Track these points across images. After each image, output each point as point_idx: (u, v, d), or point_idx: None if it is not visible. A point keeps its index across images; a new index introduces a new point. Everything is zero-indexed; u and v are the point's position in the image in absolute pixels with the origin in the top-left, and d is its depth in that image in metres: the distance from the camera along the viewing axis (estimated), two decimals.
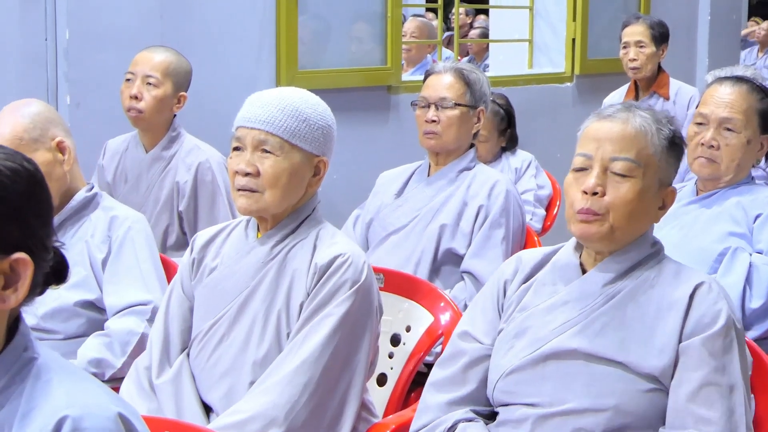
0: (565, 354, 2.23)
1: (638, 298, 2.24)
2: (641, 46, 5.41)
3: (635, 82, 5.53)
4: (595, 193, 2.23)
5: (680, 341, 2.18)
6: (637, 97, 5.45)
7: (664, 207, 2.32)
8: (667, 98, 5.45)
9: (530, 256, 2.43)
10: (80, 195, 3.00)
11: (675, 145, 2.32)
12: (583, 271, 2.31)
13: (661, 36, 5.45)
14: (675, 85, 5.53)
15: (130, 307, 2.91)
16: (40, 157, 2.86)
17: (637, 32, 5.44)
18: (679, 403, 2.16)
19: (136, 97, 3.91)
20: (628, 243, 2.28)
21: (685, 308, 2.20)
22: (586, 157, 2.28)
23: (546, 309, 2.30)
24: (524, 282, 2.37)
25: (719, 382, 2.15)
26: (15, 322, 1.55)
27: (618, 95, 5.49)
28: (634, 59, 5.42)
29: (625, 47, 5.47)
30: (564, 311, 2.28)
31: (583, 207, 2.23)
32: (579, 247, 2.35)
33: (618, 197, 2.23)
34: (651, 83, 5.48)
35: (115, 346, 2.86)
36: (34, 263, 1.50)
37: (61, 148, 2.93)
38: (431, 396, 2.38)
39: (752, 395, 2.35)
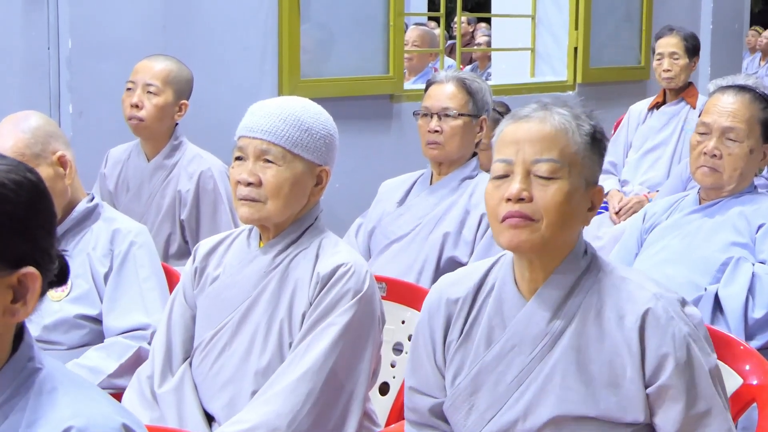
0: (531, 422, 2.10)
1: (588, 334, 2.10)
2: (675, 58, 5.44)
3: (664, 91, 5.56)
4: (521, 200, 2.07)
5: (646, 386, 2.07)
6: (664, 102, 5.48)
7: (593, 208, 2.16)
8: (693, 107, 5.47)
9: (458, 291, 2.23)
10: (81, 206, 2.99)
11: (597, 140, 2.16)
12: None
13: (694, 48, 5.49)
14: (702, 99, 5.55)
15: (130, 331, 2.90)
16: (42, 173, 2.79)
17: (671, 44, 5.47)
18: None
19: (136, 106, 3.90)
20: (560, 252, 2.13)
21: (638, 348, 2.06)
22: (507, 163, 2.11)
23: (496, 358, 2.15)
24: (464, 326, 2.21)
25: (698, 411, 2.07)
26: (19, 332, 1.55)
27: (645, 103, 5.53)
28: (668, 70, 5.45)
29: (659, 58, 5.50)
30: (513, 358, 2.13)
31: (510, 211, 2.07)
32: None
33: (546, 201, 2.06)
34: (680, 93, 5.51)
35: (111, 355, 2.86)
36: (41, 274, 1.50)
37: (62, 162, 2.91)
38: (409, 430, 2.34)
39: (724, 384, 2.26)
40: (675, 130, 5.39)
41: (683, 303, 2.14)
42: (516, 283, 2.18)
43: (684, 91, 5.51)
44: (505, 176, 2.12)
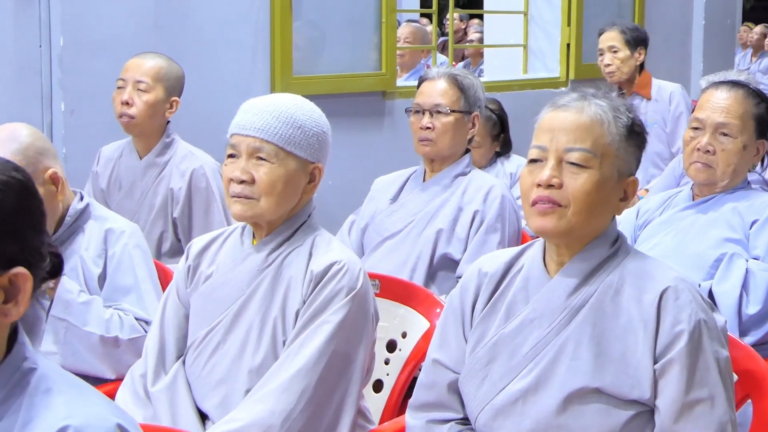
0: (541, 393, 2.15)
1: (605, 309, 2.15)
2: (614, 51, 5.51)
3: (620, 87, 5.56)
4: (550, 186, 2.14)
5: (655, 361, 2.10)
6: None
7: (626, 198, 2.22)
8: (648, 98, 5.50)
9: (492, 266, 2.31)
10: (72, 210, 2.97)
11: (634, 133, 2.21)
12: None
13: (635, 40, 5.50)
14: (656, 84, 5.59)
15: (138, 319, 2.89)
16: None
17: (609, 38, 5.55)
18: (665, 427, 2.10)
19: (127, 103, 3.89)
20: (589, 238, 2.19)
21: (654, 324, 2.10)
22: (541, 149, 2.18)
23: (515, 330, 2.20)
24: (490, 299, 2.28)
25: (701, 397, 2.08)
26: (13, 332, 1.54)
27: None
28: (609, 64, 5.51)
29: (600, 54, 5.58)
30: (532, 330, 2.18)
31: (539, 195, 2.14)
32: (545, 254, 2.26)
33: (575, 189, 2.13)
34: (632, 86, 5.53)
35: (123, 326, 2.85)
36: (32, 273, 1.49)
37: (54, 180, 2.86)
38: (413, 418, 2.35)
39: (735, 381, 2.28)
40: None
41: (711, 308, 2.18)
42: (545, 264, 2.24)
43: (635, 84, 5.53)
44: (538, 161, 2.18)
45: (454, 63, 7.15)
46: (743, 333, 3.04)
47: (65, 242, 2.95)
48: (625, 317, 2.14)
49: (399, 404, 2.89)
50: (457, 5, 9.47)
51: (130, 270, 2.95)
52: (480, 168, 4.22)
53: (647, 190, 4.80)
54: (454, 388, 2.30)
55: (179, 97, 3.99)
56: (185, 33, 4.77)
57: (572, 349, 2.15)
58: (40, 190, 2.74)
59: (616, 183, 2.19)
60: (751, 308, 3.05)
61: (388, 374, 2.94)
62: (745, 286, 3.05)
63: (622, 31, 5.51)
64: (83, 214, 2.99)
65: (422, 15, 10.42)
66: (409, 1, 10.45)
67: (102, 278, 2.94)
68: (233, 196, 2.47)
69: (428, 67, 6.57)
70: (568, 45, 6.80)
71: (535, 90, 6.58)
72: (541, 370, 2.16)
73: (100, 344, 2.82)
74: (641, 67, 5.56)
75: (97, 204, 3.11)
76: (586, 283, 2.18)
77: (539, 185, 2.15)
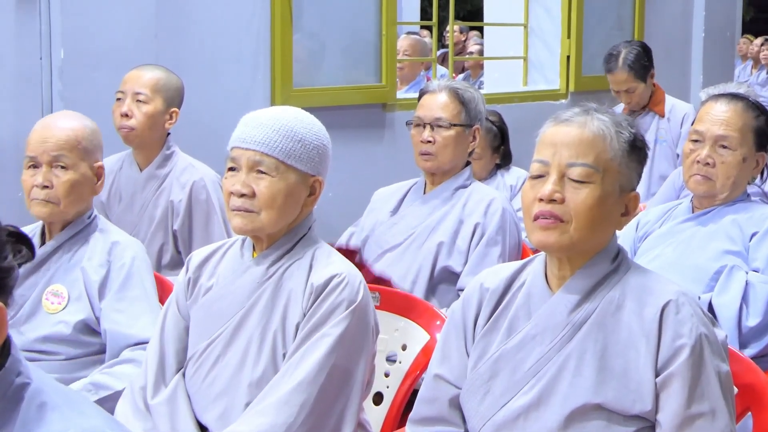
0: (542, 409, 2.15)
1: (606, 325, 2.14)
2: (632, 91, 5.43)
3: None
4: (553, 200, 2.13)
5: (656, 374, 2.10)
6: (632, 116, 5.46)
7: (627, 213, 2.22)
8: (662, 116, 5.48)
9: (494, 281, 2.31)
10: (81, 221, 3.04)
11: (636, 148, 2.22)
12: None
13: (644, 68, 5.43)
14: (670, 102, 5.56)
15: (140, 344, 2.87)
16: (81, 169, 2.97)
17: (621, 80, 5.43)
18: None
19: (126, 115, 3.90)
20: (590, 253, 2.19)
21: (656, 338, 2.10)
22: (543, 164, 2.18)
23: (517, 345, 2.20)
24: (492, 314, 2.28)
25: (701, 411, 2.08)
26: (5, 346, 1.53)
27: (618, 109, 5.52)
28: (629, 102, 5.46)
29: (616, 92, 5.49)
30: (534, 347, 2.19)
31: (541, 210, 2.14)
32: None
33: (577, 204, 2.13)
34: (646, 105, 5.51)
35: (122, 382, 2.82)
36: (3, 289, 1.48)
37: (98, 173, 3.03)
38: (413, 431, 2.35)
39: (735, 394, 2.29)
40: (648, 142, 5.38)
41: (712, 322, 2.18)
42: (546, 279, 2.24)
43: (650, 101, 5.51)
44: (540, 176, 2.18)
45: (454, 75, 7.16)
46: (743, 345, 3.04)
47: (69, 253, 3.00)
48: (627, 332, 2.14)
49: (399, 417, 2.88)
50: (457, 17, 9.48)
51: (140, 283, 2.99)
52: (480, 180, 4.22)
53: (644, 206, 4.80)
54: (455, 403, 2.29)
55: (179, 108, 4.00)
56: (186, 45, 4.78)
57: (574, 366, 2.15)
58: (86, 171, 2.94)
59: (618, 198, 2.19)
60: (751, 320, 3.05)
61: (388, 387, 2.94)
62: (745, 299, 3.06)
63: (630, 67, 5.37)
64: (89, 226, 3.05)
65: (422, 27, 10.44)
66: (409, 14, 10.47)
67: (102, 286, 2.95)
68: (234, 210, 2.47)
69: (428, 79, 6.58)
70: (568, 57, 6.80)
71: (535, 102, 6.59)
72: (543, 386, 2.16)
73: None
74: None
75: (104, 219, 3.16)
76: (588, 299, 2.18)
77: (541, 200, 2.15)
